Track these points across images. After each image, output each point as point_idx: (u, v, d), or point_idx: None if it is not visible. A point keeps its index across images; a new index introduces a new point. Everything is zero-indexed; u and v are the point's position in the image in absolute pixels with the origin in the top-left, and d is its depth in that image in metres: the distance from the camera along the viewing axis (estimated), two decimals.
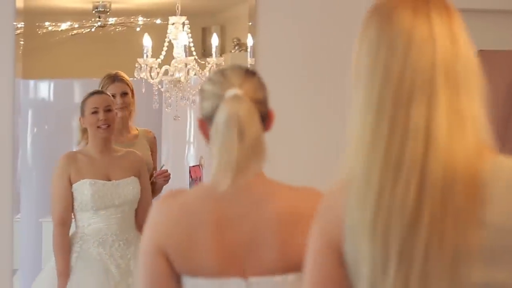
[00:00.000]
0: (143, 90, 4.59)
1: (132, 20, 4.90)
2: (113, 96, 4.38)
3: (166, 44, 4.67)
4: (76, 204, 3.92)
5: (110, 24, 4.85)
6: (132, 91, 4.49)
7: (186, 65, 4.63)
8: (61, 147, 4.85)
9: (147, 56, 4.57)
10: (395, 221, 1.39)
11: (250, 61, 4.44)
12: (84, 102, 4.03)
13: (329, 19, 4.48)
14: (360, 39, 1.49)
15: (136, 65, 4.59)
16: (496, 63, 4.06)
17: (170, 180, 4.46)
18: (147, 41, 4.58)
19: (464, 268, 1.38)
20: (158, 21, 4.90)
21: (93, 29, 4.82)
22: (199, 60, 4.69)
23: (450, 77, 1.42)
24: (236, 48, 4.82)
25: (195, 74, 4.66)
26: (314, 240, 1.50)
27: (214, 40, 4.64)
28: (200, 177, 4.85)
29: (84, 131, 4.12)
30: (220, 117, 1.89)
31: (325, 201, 1.54)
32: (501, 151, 1.45)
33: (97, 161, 3.96)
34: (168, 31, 4.68)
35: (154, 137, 4.59)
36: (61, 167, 3.95)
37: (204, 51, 4.85)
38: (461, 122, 1.41)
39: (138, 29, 4.88)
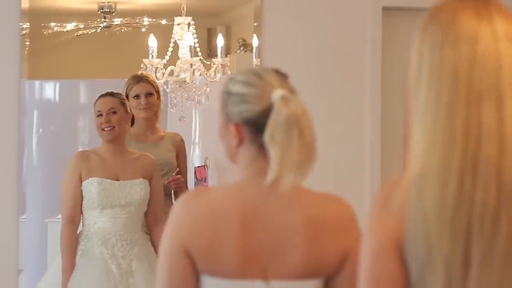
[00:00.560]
0: None
1: (137, 20, 4.90)
2: (137, 96, 4.39)
3: (171, 44, 4.67)
4: (84, 202, 3.94)
5: (116, 24, 4.85)
6: (157, 92, 4.47)
7: (191, 65, 4.63)
8: (67, 148, 4.85)
9: (152, 56, 4.57)
10: (476, 221, 1.43)
11: (255, 62, 4.44)
12: (94, 104, 4.05)
13: (334, 19, 4.48)
14: (420, 41, 1.52)
15: (142, 66, 4.60)
16: None
17: None
18: (152, 42, 4.58)
19: None
20: (164, 21, 4.90)
21: (98, 30, 4.83)
22: (204, 61, 4.69)
23: None
24: (242, 48, 4.82)
25: (200, 75, 4.66)
26: (371, 239, 1.52)
27: (220, 41, 4.64)
28: (205, 177, 4.85)
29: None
30: (278, 119, 1.86)
31: (380, 201, 1.55)
32: None
33: (108, 161, 3.98)
34: (174, 31, 4.68)
35: (182, 140, 4.58)
36: (72, 165, 3.97)
37: (209, 52, 4.84)
38: None
39: (143, 29, 4.89)
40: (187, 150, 4.61)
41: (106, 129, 3.97)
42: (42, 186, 4.89)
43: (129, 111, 4.09)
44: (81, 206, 3.95)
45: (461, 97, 1.45)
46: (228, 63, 4.65)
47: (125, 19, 4.87)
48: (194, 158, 4.80)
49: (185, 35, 4.64)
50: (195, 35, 4.68)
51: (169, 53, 4.66)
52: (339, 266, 1.92)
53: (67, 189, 3.97)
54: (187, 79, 4.67)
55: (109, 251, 3.90)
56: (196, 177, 4.78)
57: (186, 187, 4.44)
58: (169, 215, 1.95)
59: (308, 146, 1.88)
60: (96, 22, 4.82)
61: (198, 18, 4.74)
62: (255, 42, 4.50)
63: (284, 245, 1.90)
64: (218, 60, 4.62)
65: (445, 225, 1.44)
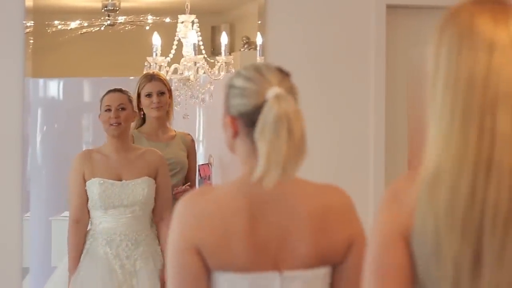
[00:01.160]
0: None
1: (141, 18, 4.90)
2: (149, 95, 4.39)
3: (175, 42, 4.68)
4: (89, 202, 3.94)
5: (120, 22, 4.85)
6: (169, 91, 4.48)
7: (195, 63, 4.63)
8: (71, 146, 4.86)
9: (156, 54, 4.57)
10: (488, 222, 1.44)
11: (259, 60, 4.43)
12: (101, 99, 4.04)
13: (338, 17, 4.47)
14: (437, 42, 1.52)
15: (146, 64, 4.60)
16: None
17: None
18: (156, 40, 4.58)
19: None
20: (168, 19, 4.90)
21: (102, 28, 4.83)
22: (208, 59, 4.69)
23: None
24: (245, 46, 4.82)
25: (204, 73, 4.66)
26: (379, 231, 1.54)
27: (224, 39, 4.64)
28: (209, 175, 4.85)
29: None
30: (269, 116, 1.89)
31: (391, 194, 1.57)
32: None
33: (111, 160, 3.96)
34: (178, 29, 4.68)
35: (192, 140, 4.59)
36: (76, 165, 3.96)
37: (213, 50, 4.85)
38: None
39: (147, 27, 4.89)
40: None
41: (113, 124, 3.96)
42: (46, 184, 4.90)
43: (135, 109, 4.10)
44: (87, 205, 3.96)
45: (476, 103, 1.46)
46: (232, 61, 4.65)
47: (129, 17, 4.87)
48: (198, 156, 4.80)
49: (189, 33, 4.64)
50: (199, 33, 4.68)
51: (173, 51, 4.66)
52: (345, 253, 1.98)
53: (72, 189, 3.97)
54: (191, 77, 4.67)
55: (113, 252, 3.89)
56: (200, 175, 4.78)
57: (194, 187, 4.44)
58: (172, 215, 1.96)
59: (297, 144, 1.90)
60: (100, 20, 4.83)
61: (202, 16, 4.74)
62: (259, 40, 4.50)
63: (292, 235, 1.94)
64: (222, 58, 4.62)
65: (456, 224, 1.45)
